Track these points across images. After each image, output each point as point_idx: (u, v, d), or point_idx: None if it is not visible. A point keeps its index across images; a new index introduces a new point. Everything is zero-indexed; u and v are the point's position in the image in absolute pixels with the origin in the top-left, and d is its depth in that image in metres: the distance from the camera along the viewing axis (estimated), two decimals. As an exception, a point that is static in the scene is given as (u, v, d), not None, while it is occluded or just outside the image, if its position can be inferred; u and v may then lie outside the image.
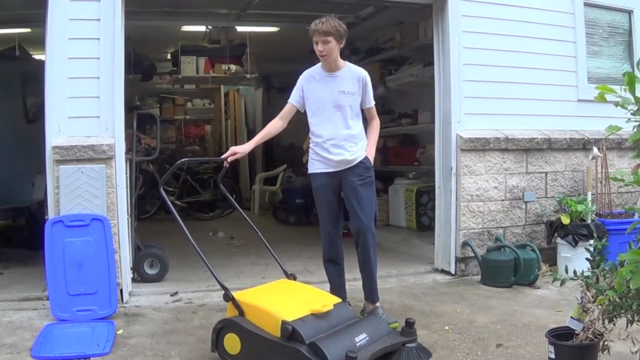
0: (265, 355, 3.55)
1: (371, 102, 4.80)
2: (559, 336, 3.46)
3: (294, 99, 4.77)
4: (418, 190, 8.15)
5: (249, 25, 9.30)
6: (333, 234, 4.79)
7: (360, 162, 4.68)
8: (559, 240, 6.20)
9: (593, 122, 6.65)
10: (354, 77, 4.69)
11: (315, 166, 4.79)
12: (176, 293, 5.55)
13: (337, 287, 4.84)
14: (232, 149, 4.47)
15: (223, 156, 4.46)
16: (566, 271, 3.60)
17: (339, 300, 4.00)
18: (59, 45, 5.09)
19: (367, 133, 4.84)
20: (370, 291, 4.81)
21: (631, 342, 3.21)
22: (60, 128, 5.09)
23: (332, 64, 4.64)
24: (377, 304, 4.78)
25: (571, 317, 3.50)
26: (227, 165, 4.49)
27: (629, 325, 3.27)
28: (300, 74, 4.86)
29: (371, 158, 4.77)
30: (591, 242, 5.62)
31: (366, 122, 4.87)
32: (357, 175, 4.67)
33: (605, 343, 3.36)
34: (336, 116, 4.65)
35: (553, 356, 3.41)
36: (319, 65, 4.74)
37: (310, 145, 4.85)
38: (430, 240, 6.79)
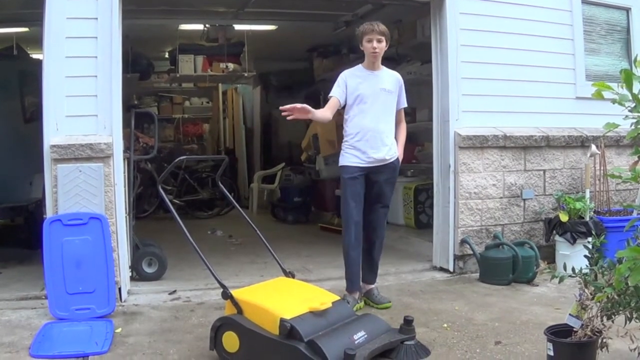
0: (264, 353, 3.56)
1: (405, 104, 5.25)
2: (558, 333, 3.46)
3: (337, 94, 5.00)
4: (416, 188, 8.15)
5: (247, 24, 9.30)
6: (359, 223, 5.04)
7: (391, 162, 5.10)
8: (557, 237, 6.20)
9: (591, 119, 6.64)
10: (393, 78, 5.15)
11: (348, 159, 5.03)
12: (174, 291, 5.55)
13: (357, 275, 5.12)
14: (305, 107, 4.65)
15: (296, 108, 4.60)
16: (564, 268, 3.60)
17: (337, 297, 4.01)
18: (56, 44, 5.09)
19: (395, 135, 5.21)
20: (372, 274, 5.29)
21: (630, 339, 3.22)
22: (58, 127, 5.09)
23: (376, 63, 5.05)
24: (374, 285, 5.28)
25: (570, 314, 3.50)
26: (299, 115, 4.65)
27: (628, 322, 3.28)
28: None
29: (400, 159, 5.25)
30: (589, 239, 5.62)
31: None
32: (385, 175, 5.10)
33: (604, 340, 3.36)
34: (376, 110, 4.99)
35: (552, 353, 3.41)
36: (359, 65, 5.13)
37: (346, 138, 5.09)
38: (428, 237, 6.79)
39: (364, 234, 5.12)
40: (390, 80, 5.11)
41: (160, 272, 5.98)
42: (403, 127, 5.32)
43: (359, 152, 4.98)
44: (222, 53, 9.92)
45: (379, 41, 4.94)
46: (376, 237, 5.20)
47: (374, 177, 5.05)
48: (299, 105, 4.63)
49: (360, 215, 5.03)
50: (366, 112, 4.97)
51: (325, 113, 4.94)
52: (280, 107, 4.57)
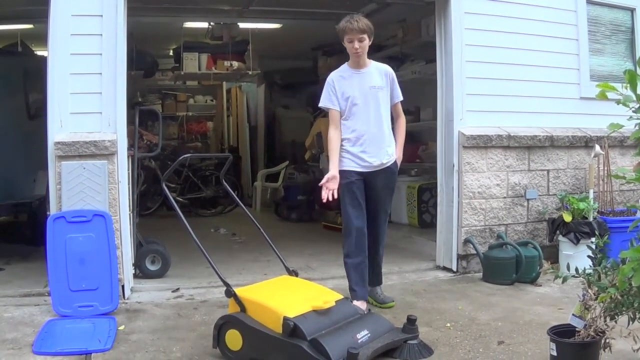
0: (267, 351, 3.56)
1: (400, 97, 4.95)
2: (561, 333, 3.45)
3: (334, 104, 4.78)
4: (420, 187, 8.15)
5: (252, 22, 9.31)
6: (361, 229, 4.81)
7: (389, 166, 4.85)
8: (560, 237, 6.19)
9: (595, 119, 6.64)
10: (382, 72, 4.86)
11: (344, 164, 4.78)
12: (178, 289, 5.55)
13: (360, 283, 4.85)
14: (331, 178, 4.55)
15: (326, 187, 4.50)
16: (568, 269, 3.60)
17: (340, 296, 4.01)
18: (61, 41, 5.10)
19: (394, 132, 4.96)
20: (377, 276, 5.14)
21: (633, 340, 3.21)
22: (63, 124, 5.10)
23: (361, 61, 4.78)
24: (378, 286, 5.15)
25: (573, 314, 3.50)
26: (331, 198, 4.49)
27: (631, 322, 3.27)
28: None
29: (399, 162, 4.96)
30: (593, 239, 5.64)
31: (392, 121, 4.98)
32: (383, 179, 4.85)
33: (607, 340, 3.36)
34: (369, 110, 4.74)
35: (555, 353, 3.41)
36: (344, 65, 4.89)
37: (342, 142, 4.80)
38: (432, 237, 6.79)
39: (368, 238, 4.89)
40: (379, 75, 4.84)
41: (164, 269, 5.99)
42: (402, 122, 5.04)
43: (355, 157, 4.75)
44: (226, 51, 9.93)
45: (361, 40, 4.69)
46: (378, 243, 5.02)
47: (372, 182, 4.82)
48: (327, 185, 4.52)
49: (362, 221, 4.80)
50: (358, 114, 4.74)
51: (336, 140, 4.74)
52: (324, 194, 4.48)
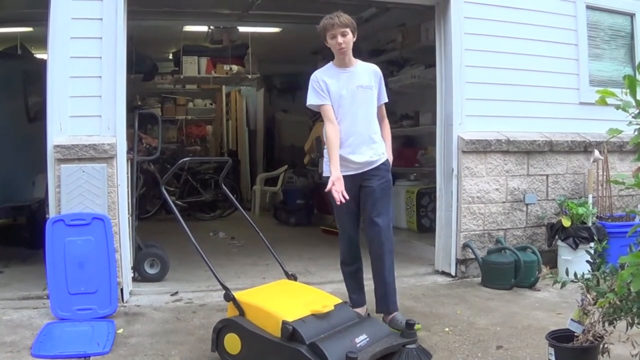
0: (266, 355, 3.55)
1: (385, 98, 4.71)
2: (559, 338, 3.46)
3: (324, 99, 4.46)
4: (419, 192, 8.14)
5: (251, 26, 9.33)
6: (354, 237, 4.69)
7: (382, 164, 4.56)
8: (559, 242, 6.19)
9: (594, 124, 6.65)
10: (370, 71, 4.60)
11: None
12: (176, 293, 5.55)
13: (357, 290, 4.77)
14: (336, 181, 4.19)
15: (335, 190, 4.14)
16: (567, 274, 3.60)
17: (339, 300, 4.00)
18: (61, 44, 5.10)
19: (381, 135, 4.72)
20: (384, 300, 4.59)
21: (631, 345, 3.21)
22: (62, 127, 5.10)
23: (347, 58, 4.50)
24: (395, 313, 4.58)
25: (571, 319, 3.50)
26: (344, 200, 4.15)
27: (629, 328, 3.27)
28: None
29: (390, 161, 4.71)
30: (592, 244, 5.62)
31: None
32: (377, 178, 4.52)
33: (606, 345, 3.36)
34: (355, 110, 4.48)
35: (553, 358, 3.41)
36: (329, 64, 4.62)
37: (326, 145, 4.51)
38: (430, 241, 6.78)
39: (368, 249, 4.62)
40: (367, 75, 4.55)
41: (163, 273, 5.99)
42: (387, 125, 4.78)
43: (343, 160, 4.40)
44: (226, 55, 9.94)
45: (344, 34, 4.35)
46: (381, 252, 4.52)
47: (366, 184, 4.51)
48: (335, 188, 4.12)
49: (355, 229, 4.65)
50: (344, 115, 4.46)
51: (335, 130, 4.39)
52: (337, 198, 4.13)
